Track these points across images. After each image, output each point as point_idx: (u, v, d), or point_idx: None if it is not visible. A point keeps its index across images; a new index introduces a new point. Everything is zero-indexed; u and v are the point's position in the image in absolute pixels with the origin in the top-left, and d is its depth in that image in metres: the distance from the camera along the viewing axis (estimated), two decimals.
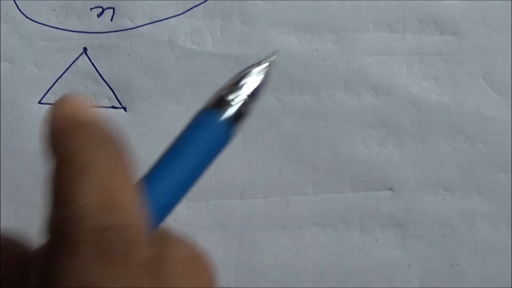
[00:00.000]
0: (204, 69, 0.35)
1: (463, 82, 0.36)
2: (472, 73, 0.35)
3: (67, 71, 0.35)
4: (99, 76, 0.36)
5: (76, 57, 0.35)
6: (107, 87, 0.35)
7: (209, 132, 0.23)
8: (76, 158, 0.20)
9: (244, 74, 0.24)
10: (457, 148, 0.35)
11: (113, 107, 0.36)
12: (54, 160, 0.21)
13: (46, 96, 0.35)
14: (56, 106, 0.22)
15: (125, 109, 0.36)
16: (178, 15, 0.36)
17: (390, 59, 0.35)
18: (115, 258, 0.19)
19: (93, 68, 0.35)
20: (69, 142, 0.21)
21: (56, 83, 0.35)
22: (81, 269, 0.19)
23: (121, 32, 0.36)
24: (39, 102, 0.35)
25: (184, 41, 0.36)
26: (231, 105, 0.23)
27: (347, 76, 0.35)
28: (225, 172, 0.35)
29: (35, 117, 0.35)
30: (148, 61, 0.36)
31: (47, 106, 0.36)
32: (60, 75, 0.35)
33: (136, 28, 0.36)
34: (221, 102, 0.23)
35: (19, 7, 0.35)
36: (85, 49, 0.35)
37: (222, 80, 0.35)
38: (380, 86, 0.35)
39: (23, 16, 0.35)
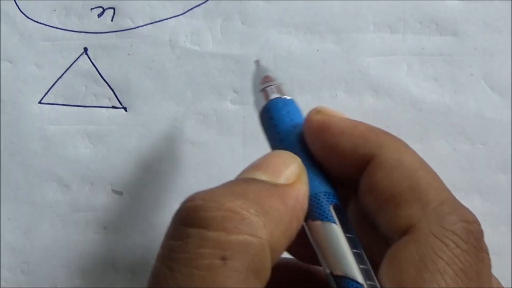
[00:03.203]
0: (204, 69, 0.35)
1: (463, 83, 0.36)
2: (472, 74, 0.35)
3: (68, 71, 0.35)
4: (99, 76, 0.35)
5: (77, 57, 0.35)
6: (108, 87, 0.35)
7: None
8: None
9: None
10: (457, 148, 0.35)
11: (113, 107, 0.35)
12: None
13: (46, 96, 0.35)
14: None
15: (125, 109, 0.35)
16: (179, 15, 0.36)
17: (390, 60, 0.35)
18: (479, 248, 0.23)
19: (94, 68, 0.35)
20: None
21: (56, 83, 0.35)
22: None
23: (122, 32, 0.36)
24: (40, 102, 0.35)
25: (184, 41, 0.36)
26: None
27: (348, 76, 0.35)
28: (225, 171, 0.35)
29: (36, 117, 0.35)
30: (148, 61, 0.36)
31: (47, 106, 0.35)
32: (60, 75, 0.35)
33: (137, 28, 0.36)
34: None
35: (20, 7, 0.35)
36: (85, 49, 0.35)
37: (223, 80, 0.35)
38: (380, 87, 0.35)
39: (24, 16, 0.35)
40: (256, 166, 0.25)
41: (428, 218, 0.23)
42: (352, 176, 0.25)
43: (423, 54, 0.36)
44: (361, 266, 0.23)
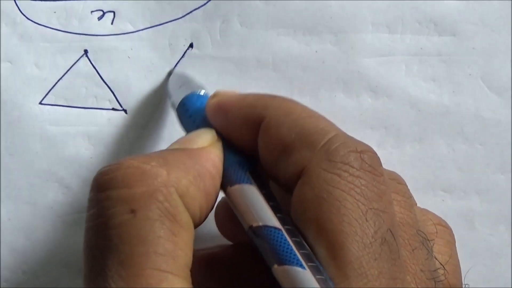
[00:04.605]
0: (204, 72, 0.36)
1: (462, 83, 0.36)
2: (471, 74, 0.36)
3: (68, 72, 0.36)
4: (100, 78, 0.36)
5: (77, 59, 0.36)
6: (108, 89, 0.36)
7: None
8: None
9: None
10: (456, 149, 0.35)
11: (113, 109, 0.36)
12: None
13: (47, 97, 0.36)
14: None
15: (125, 111, 0.36)
16: (178, 18, 0.36)
17: (389, 60, 0.36)
18: (376, 172, 0.23)
19: (94, 70, 0.36)
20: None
21: (57, 84, 0.36)
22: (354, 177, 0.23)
23: (122, 35, 0.36)
24: (40, 103, 0.36)
25: (184, 45, 0.36)
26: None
27: (346, 77, 0.36)
28: None
29: (36, 117, 0.35)
30: (148, 65, 0.36)
31: (48, 107, 0.36)
32: (61, 76, 0.36)
33: (137, 32, 0.36)
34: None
35: (20, 8, 0.36)
36: (85, 51, 0.36)
37: (222, 82, 0.35)
38: (379, 87, 0.35)
39: (24, 17, 0.36)
40: (172, 144, 0.27)
41: (317, 157, 0.23)
42: (255, 146, 0.26)
43: (422, 54, 0.36)
44: (278, 215, 0.24)
